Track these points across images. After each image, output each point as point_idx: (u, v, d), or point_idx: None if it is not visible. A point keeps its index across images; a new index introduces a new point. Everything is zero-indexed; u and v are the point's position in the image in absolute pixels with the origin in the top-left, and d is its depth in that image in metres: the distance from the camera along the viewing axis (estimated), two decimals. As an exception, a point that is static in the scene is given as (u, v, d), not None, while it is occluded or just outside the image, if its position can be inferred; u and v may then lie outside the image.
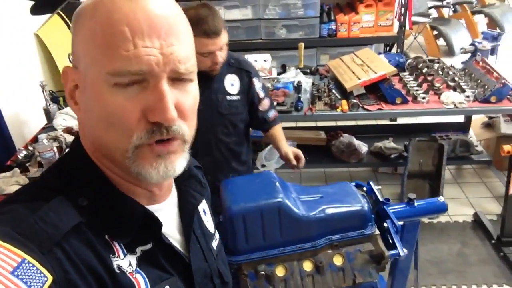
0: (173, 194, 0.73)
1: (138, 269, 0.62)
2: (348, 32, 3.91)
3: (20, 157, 2.08)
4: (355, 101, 2.66)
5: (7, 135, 2.20)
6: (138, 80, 0.54)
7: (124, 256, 0.61)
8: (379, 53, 3.22)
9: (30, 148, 2.15)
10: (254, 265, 1.41)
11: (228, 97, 1.95)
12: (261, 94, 2.05)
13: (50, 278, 0.51)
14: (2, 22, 2.35)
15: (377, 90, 2.73)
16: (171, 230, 0.70)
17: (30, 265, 0.50)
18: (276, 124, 2.13)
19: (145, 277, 0.63)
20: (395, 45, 3.98)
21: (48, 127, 2.42)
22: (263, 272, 1.41)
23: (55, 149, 1.98)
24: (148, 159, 0.58)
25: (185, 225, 0.73)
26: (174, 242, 0.69)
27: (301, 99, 2.70)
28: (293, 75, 3.06)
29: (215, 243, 0.83)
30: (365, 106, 2.66)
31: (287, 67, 3.21)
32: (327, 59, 3.95)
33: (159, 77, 0.54)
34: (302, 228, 1.41)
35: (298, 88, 2.69)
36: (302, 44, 3.30)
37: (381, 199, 1.58)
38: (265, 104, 2.08)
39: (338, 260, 1.45)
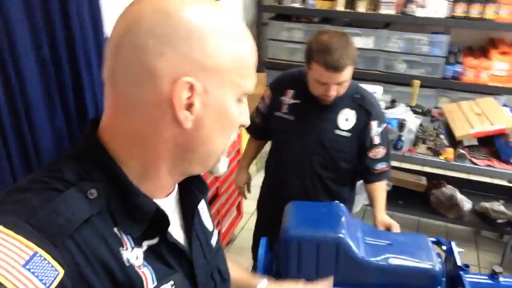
0: (175, 191, 0.73)
1: (145, 262, 0.63)
2: (476, 78, 3.59)
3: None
4: (462, 151, 2.42)
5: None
6: None
7: (132, 250, 0.61)
8: (504, 105, 2.89)
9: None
10: (301, 297, 1.35)
11: (337, 131, 1.84)
12: (376, 140, 1.88)
13: (62, 272, 0.52)
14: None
15: (492, 144, 2.46)
16: (174, 226, 0.70)
17: (42, 258, 0.51)
18: (381, 180, 1.93)
19: (152, 271, 0.63)
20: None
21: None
22: (309, 307, 1.33)
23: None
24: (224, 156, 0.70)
25: (187, 222, 0.74)
26: (177, 238, 0.69)
27: (403, 138, 2.54)
28: (401, 112, 2.90)
29: (214, 240, 0.83)
30: (473, 159, 2.40)
31: (396, 103, 3.05)
32: (446, 103, 3.67)
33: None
34: (359, 272, 1.31)
35: (401, 125, 2.54)
36: (418, 82, 3.12)
37: (459, 264, 1.41)
38: (377, 152, 1.90)
39: (393, 317, 1.31)
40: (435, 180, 3.24)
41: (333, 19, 4.03)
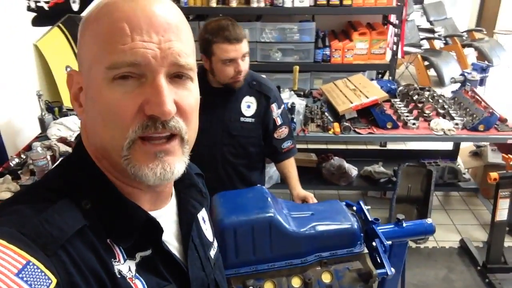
0: (173, 202, 0.73)
1: (137, 274, 0.62)
2: (342, 58, 4.00)
3: (12, 165, 2.08)
4: (347, 124, 2.71)
5: (0, 143, 2.20)
6: (136, 74, 0.55)
7: (124, 261, 0.61)
8: (372, 79, 3.29)
9: (22, 156, 2.15)
10: (243, 279, 1.42)
11: (242, 119, 1.94)
12: (279, 121, 2.02)
13: (54, 281, 0.51)
14: (3, 31, 2.38)
15: (369, 114, 2.79)
16: (170, 238, 0.70)
17: (35, 267, 0.50)
18: (289, 157, 2.07)
19: (144, 283, 0.62)
20: (387, 72, 4.08)
21: (42, 137, 2.42)
22: (251, 287, 1.41)
23: (48, 157, 1.98)
24: (144, 159, 0.57)
25: (184, 234, 0.72)
26: (172, 249, 0.69)
27: (294, 120, 2.74)
28: (287, 97, 3.11)
29: (213, 252, 0.82)
30: (357, 130, 2.71)
31: (281, 89, 3.26)
32: (320, 84, 4.03)
33: (156, 71, 0.55)
34: (292, 244, 1.42)
35: (291, 109, 2.74)
36: (297, 67, 3.37)
37: (370, 219, 1.61)
38: (282, 132, 2.04)
39: (326, 278, 1.46)
40: (324, 154, 3.55)
41: (207, 16, 4.12)
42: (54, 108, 2.48)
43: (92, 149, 0.63)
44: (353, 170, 3.37)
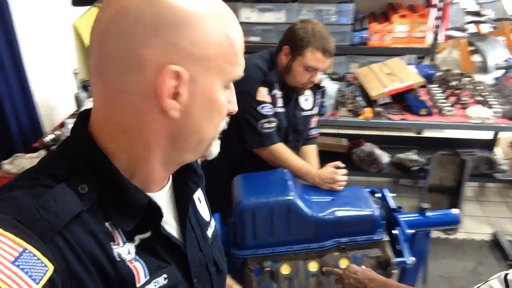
0: (169, 184, 0.73)
1: (137, 257, 0.62)
2: (380, 41, 3.88)
3: (47, 141, 2.16)
4: (379, 109, 2.65)
5: (36, 119, 2.28)
6: None
7: (124, 244, 0.61)
8: (409, 64, 3.18)
9: (57, 132, 2.23)
10: (260, 260, 1.44)
11: (303, 113, 1.96)
12: (316, 110, 2.04)
13: (51, 268, 0.51)
14: (43, 11, 2.46)
15: (403, 100, 2.71)
16: (168, 219, 0.70)
17: (32, 255, 0.50)
18: (313, 143, 2.08)
19: (144, 265, 0.63)
20: (428, 57, 3.93)
21: (77, 114, 2.50)
22: (268, 269, 1.43)
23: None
24: (217, 143, 0.69)
25: (181, 215, 0.73)
26: (171, 231, 0.69)
27: (325, 104, 2.70)
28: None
29: (210, 231, 0.82)
30: (389, 115, 2.64)
31: (314, 72, 3.22)
32: (356, 67, 3.93)
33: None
34: (310, 228, 1.43)
35: (323, 92, 2.70)
36: (331, 50, 3.30)
37: (393, 207, 1.58)
38: (314, 121, 2.05)
39: (344, 263, 1.46)
40: (355, 140, 3.49)
41: (244, -4, 4.09)
42: (88, 86, 2.56)
43: (112, 135, 0.61)
44: (385, 157, 3.29)
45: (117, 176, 0.61)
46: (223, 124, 0.68)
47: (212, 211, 1.56)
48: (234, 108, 0.68)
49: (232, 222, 1.47)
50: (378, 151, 3.31)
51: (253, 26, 4.03)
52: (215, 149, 0.69)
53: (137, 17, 0.56)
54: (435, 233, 2.77)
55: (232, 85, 0.67)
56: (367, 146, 3.36)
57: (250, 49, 1.90)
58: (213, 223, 0.85)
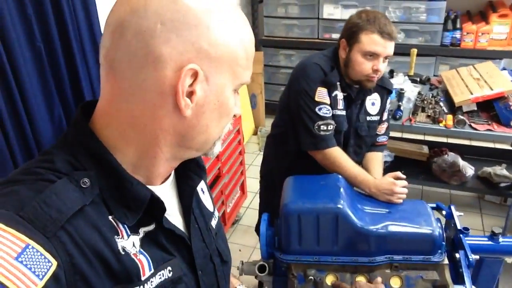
0: (172, 176, 0.73)
1: (141, 250, 0.62)
2: (475, 43, 3.56)
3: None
4: (462, 117, 2.42)
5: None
6: None
7: (128, 237, 0.61)
8: (503, 69, 2.87)
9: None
10: (304, 268, 1.38)
11: (368, 118, 1.83)
12: (385, 116, 1.91)
13: (54, 263, 0.51)
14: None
15: (491, 109, 2.45)
16: (172, 211, 0.70)
17: (35, 250, 0.50)
18: (380, 151, 1.94)
19: (149, 258, 0.63)
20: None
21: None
22: (312, 277, 1.37)
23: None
24: (220, 143, 0.70)
25: (185, 207, 0.73)
26: (175, 223, 0.69)
27: (402, 107, 2.53)
28: (399, 82, 2.89)
29: (214, 222, 0.82)
30: (473, 125, 2.40)
31: (394, 73, 3.03)
32: (446, 70, 3.65)
33: None
34: (359, 241, 1.34)
35: (400, 95, 2.53)
36: (414, 50, 3.09)
37: (459, 227, 1.43)
38: (383, 127, 1.92)
39: (395, 282, 1.35)
40: (437, 148, 3.24)
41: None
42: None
43: (120, 130, 0.61)
44: (469, 169, 3.01)
45: (119, 170, 0.61)
46: (228, 126, 0.69)
47: (266, 211, 1.55)
48: (238, 111, 0.69)
49: (277, 224, 1.43)
50: (461, 162, 3.04)
51: (336, 23, 3.92)
52: (217, 149, 0.70)
53: (158, 13, 0.56)
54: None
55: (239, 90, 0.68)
56: (450, 156, 3.10)
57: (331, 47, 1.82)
58: (216, 214, 0.85)
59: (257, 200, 2.35)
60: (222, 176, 2.63)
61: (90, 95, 1.85)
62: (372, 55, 1.62)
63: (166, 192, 0.70)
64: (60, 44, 1.64)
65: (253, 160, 3.88)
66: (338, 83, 1.72)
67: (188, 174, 0.74)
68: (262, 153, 2.01)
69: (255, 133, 4.19)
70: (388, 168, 2.93)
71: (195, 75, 0.58)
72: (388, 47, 1.62)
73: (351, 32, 1.65)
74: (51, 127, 1.62)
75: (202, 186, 0.83)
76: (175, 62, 0.57)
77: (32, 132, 1.53)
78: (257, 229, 2.25)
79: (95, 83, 1.87)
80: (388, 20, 1.63)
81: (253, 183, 3.28)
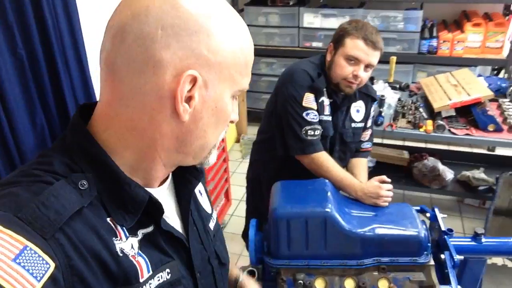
0: (170, 178, 0.73)
1: (140, 252, 0.62)
2: (451, 51, 3.65)
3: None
4: (441, 122, 2.47)
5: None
6: None
7: (126, 239, 0.61)
8: (479, 75, 2.96)
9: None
10: (293, 272, 1.39)
11: (353, 124, 1.87)
12: (369, 123, 1.95)
13: (52, 265, 0.51)
14: (108, 8, 2.57)
15: (469, 114, 2.52)
16: (170, 213, 0.70)
17: (32, 252, 0.50)
18: (364, 157, 1.98)
19: (147, 260, 0.63)
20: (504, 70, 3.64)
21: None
22: (301, 282, 1.37)
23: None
24: (215, 151, 0.71)
25: (183, 209, 0.73)
26: (173, 225, 0.69)
27: (383, 113, 2.58)
28: (380, 89, 2.94)
29: (212, 224, 0.82)
30: (452, 129, 2.46)
31: (375, 80, 3.09)
32: (424, 77, 3.74)
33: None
34: (347, 244, 1.35)
35: (380, 102, 2.58)
36: (394, 58, 3.16)
37: (443, 228, 1.46)
38: (367, 134, 1.97)
39: (383, 284, 1.36)
40: (417, 153, 3.30)
41: (308, 1, 4.05)
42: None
43: (121, 132, 0.61)
44: (449, 173, 3.08)
45: (117, 173, 0.61)
46: (224, 133, 0.69)
47: (253, 216, 1.55)
48: (235, 117, 0.69)
49: (266, 229, 1.43)
50: (441, 167, 3.11)
51: (316, 31, 3.98)
52: (213, 158, 0.70)
53: (158, 19, 0.56)
54: (492, 259, 2.55)
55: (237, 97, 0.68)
56: (430, 161, 3.16)
57: (312, 55, 1.86)
58: (214, 215, 0.86)
59: (241, 207, 2.34)
60: (207, 184, 2.61)
61: (72, 102, 1.82)
62: (353, 60, 1.66)
63: (164, 194, 0.70)
64: (42, 51, 1.61)
65: (236, 168, 3.87)
66: (324, 89, 1.75)
67: (186, 176, 0.74)
68: (244, 160, 2.02)
69: (237, 141, 4.19)
70: (370, 173, 2.95)
71: (194, 80, 0.58)
72: (371, 55, 1.65)
73: (338, 36, 1.69)
74: (33, 135, 1.59)
75: (200, 188, 0.83)
76: (174, 67, 0.57)
77: (13, 140, 1.50)
78: (244, 235, 2.24)
79: (77, 90, 1.85)
80: (377, 31, 1.67)
81: (237, 191, 3.27)
